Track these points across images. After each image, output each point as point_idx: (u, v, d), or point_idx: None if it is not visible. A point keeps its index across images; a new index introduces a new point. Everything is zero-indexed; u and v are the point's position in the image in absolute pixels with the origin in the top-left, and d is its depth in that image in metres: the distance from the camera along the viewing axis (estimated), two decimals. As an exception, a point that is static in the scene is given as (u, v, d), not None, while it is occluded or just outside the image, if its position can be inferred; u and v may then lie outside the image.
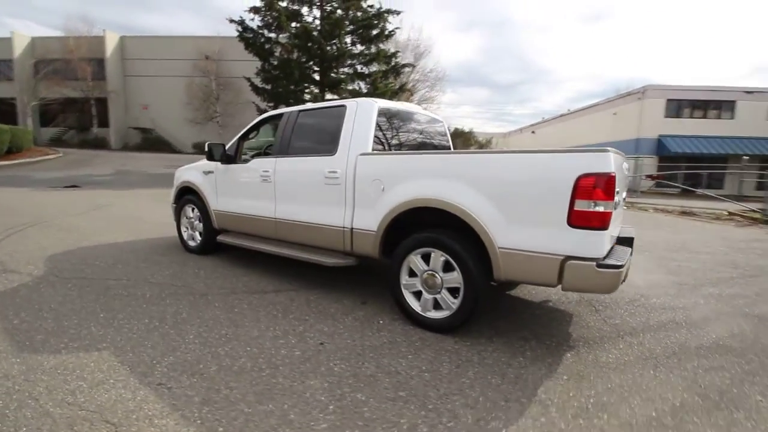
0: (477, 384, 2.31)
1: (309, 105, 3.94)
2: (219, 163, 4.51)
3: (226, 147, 4.42)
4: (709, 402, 2.20)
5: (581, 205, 2.32)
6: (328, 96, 18.82)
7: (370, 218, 3.23)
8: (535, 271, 2.52)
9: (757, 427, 2.01)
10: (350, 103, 3.54)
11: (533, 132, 41.64)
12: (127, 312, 3.17)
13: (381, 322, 3.14)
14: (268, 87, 17.77)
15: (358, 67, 18.76)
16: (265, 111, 18.07)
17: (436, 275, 2.91)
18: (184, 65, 27.98)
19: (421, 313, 3.02)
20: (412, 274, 3.07)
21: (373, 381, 2.31)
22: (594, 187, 2.29)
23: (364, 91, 18.20)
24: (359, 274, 4.30)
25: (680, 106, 24.08)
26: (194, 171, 4.95)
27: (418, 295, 3.06)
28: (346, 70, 18.72)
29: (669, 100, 23.89)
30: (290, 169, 3.81)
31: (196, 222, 4.94)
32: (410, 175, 3.00)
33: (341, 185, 3.38)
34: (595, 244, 2.34)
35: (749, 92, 23.28)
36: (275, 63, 17.74)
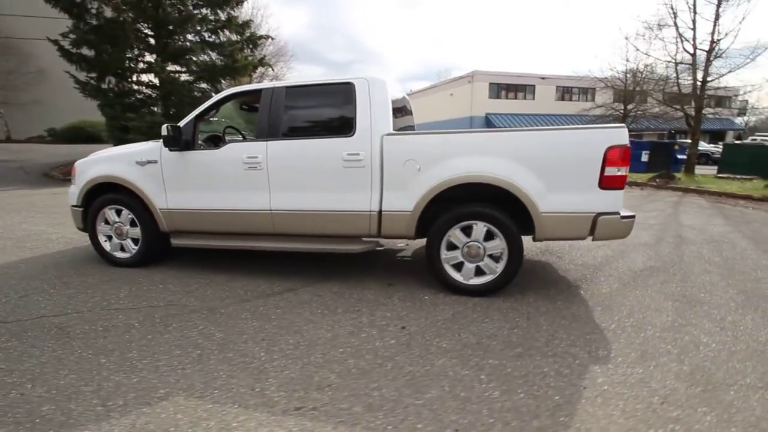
0: (556, 328, 2.73)
1: (297, 81, 3.53)
2: (165, 151, 3.64)
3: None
4: (673, 288, 3.16)
5: (610, 171, 2.91)
6: (172, 67, 16.13)
7: (403, 199, 3.23)
8: (571, 228, 3.05)
9: (687, 282, 3.01)
10: (359, 80, 3.35)
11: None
12: (141, 351, 2.45)
13: (426, 297, 3.25)
14: (91, 53, 14.12)
15: (206, 35, 16.52)
16: (87, 83, 14.45)
17: (479, 245, 3.17)
18: None
19: (463, 282, 3.25)
20: (450, 247, 3.25)
21: (486, 347, 2.48)
22: (618, 156, 2.89)
23: (219, 63, 16.23)
24: (340, 260, 4.20)
25: (499, 88, 29.50)
26: (118, 162, 3.84)
27: (458, 266, 3.26)
28: (191, 38, 16.25)
29: (491, 83, 28.91)
30: (290, 153, 3.40)
31: (127, 227, 3.89)
32: (451, 154, 3.12)
33: (365, 168, 3.24)
34: (618, 201, 2.98)
35: (543, 78, 30.07)
36: (95, 23, 14.13)
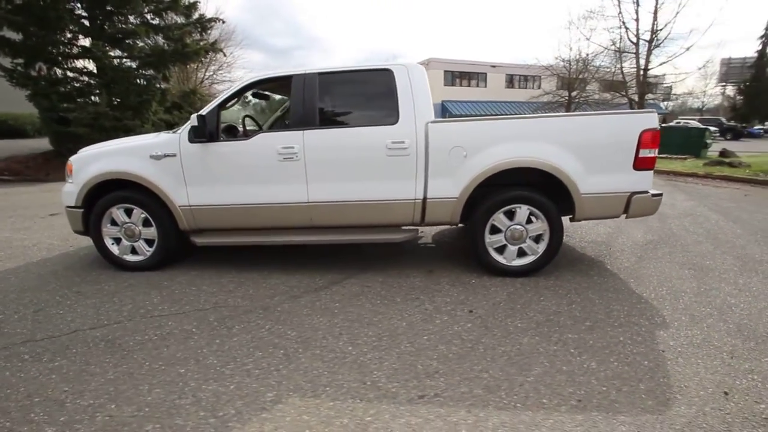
0: (607, 301, 2.92)
1: (330, 68, 3.38)
2: (185, 143, 3.36)
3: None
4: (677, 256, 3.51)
5: (644, 153, 3.13)
6: (113, 52, 14.71)
7: (448, 186, 3.25)
8: (608, 207, 3.25)
9: (688, 252, 3.38)
10: (397, 67, 3.29)
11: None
12: (218, 357, 2.29)
13: (473, 281, 3.32)
14: (19, 36, 12.48)
15: (149, 16, 15.17)
16: (14, 70, 12.78)
17: (522, 227, 3.29)
18: None
19: (506, 263, 3.36)
20: (493, 231, 3.34)
21: (557, 323, 2.61)
22: (651, 138, 3.12)
23: (167, 48, 15.02)
24: (369, 250, 4.17)
25: (453, 76, 30.09)
26: (128, 156, 3.47)
27: (500, 249, 3.37)
28: (133, 20, 14.85)
29: (446, 71, 29.41)
30: (330, 143, 3.27)
31: (140, 228, 3.56)
32: (497, 139, 3.18)
33: (410, 156, 3.21)
34: (649, 180, 3.23)
35: (494, 66, 31.15)
36: (20, 2, 12.46)
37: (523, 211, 3.26)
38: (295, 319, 2.69)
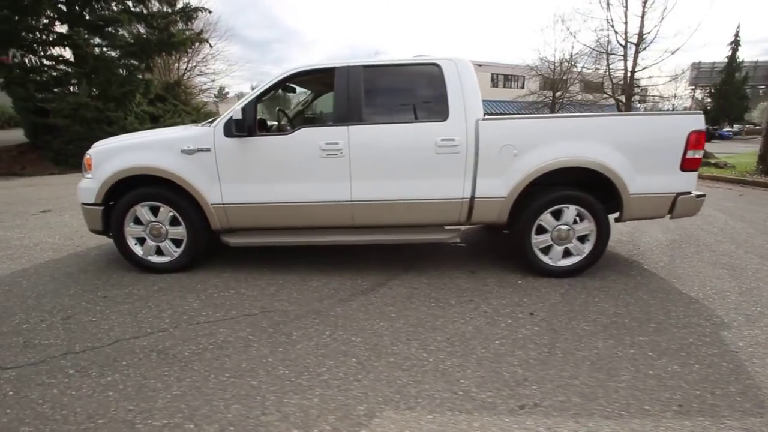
0: (661, 302, 2.91)
1: (375, 61, 3.24)
2: (219, 137, 3.15)
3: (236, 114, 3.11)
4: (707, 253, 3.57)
5: (690, 154, 3.14)
6: (96, 40, 13.99)
7: (497, 185, 3.18)
8: (654, 207, 3.26)
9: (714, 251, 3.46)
10: (445, 62, 3.18)
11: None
12: (288, 367, 2.14)
13: (520, 282, 3.27)
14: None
15: (130, 3, 14.46)
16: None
17: (569, 227, 3.25)
18: None
19: (551, 264, 3.32)
20: (539, 231, 3.29)
21: (623, 325, 2.57)
22: (698, 140, 3.13)
23: (152, 37, 14.36)
24: (404, 251, 4.06)
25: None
26: (156, 150, 3.23)
27: (545, 249, 3.32)
28: (115, 7, 14.12)
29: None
30: (376, 139, 3.13)
31: (167, 227, 3.32)
32: (549, 138, 3.12)
33: (460, 153, 3.12)
34: (694, 181, 3.24)
35: (480, 65, 31.30)
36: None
37: (570, 211, 3.22)
38: (354, 324, 2.56)
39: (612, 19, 14.52)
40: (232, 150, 3.17)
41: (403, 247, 4.07)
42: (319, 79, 3.69)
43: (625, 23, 14.18)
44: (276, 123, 4.10)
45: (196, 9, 15.93)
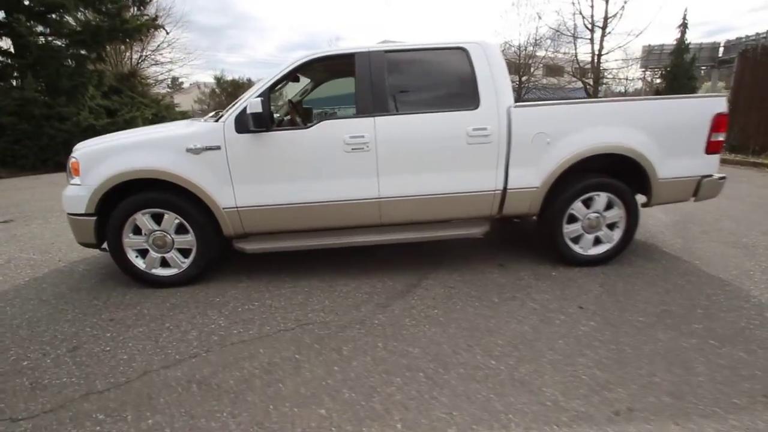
0: (699, 286, 2.91)
1: (397, 45, 3.01)
2: (230, 133, 2.83)
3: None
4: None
5: (715, 137, 3.15)
6: (39, 28, 12.66)
7: (530, 175, 3.06)
8: (679, 191, 3.25)
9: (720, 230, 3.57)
10: (472, 45, 2.99)
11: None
12: (352, 388, 1.93)
13: (554, 273, 3.19)
14: None
15: (74, -13, 13.14)
16: None
17: (600, 215, 3.20)
18: None
19: (583, 253, 3.27)
20: (570, 220, 3.22)
21: (673, 313, 2.54)
22: (720, 122, 3.14)
23: (96, 23, 13.12)
24: (423, 248, 3.90)
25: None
26: (158, 149, 2.85)
27: (575, 238, 3.26)
28: (57, -10, 12.77)
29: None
30: (405, 131, 2.91)
31: (172, 236, 2.98)
32: (581, 125, 3.02)
33: (492, 143, 2.97)
34: (716, 163, 3.26)
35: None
36: None
37: (602, 198, 3.16)
38: (404, 333, 2.38)
39: (579, 2, 14.80)
40: (245, 147, 2.86)
41: (424, 244, 3.89)
42: (339, 66, 3.41)
43: (591, 6, 14.52)
44: (281, 116, 3.78)
45: (150, -7, 14.75)
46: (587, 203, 3.19)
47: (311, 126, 2.92)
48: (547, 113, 3.07)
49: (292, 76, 3.08)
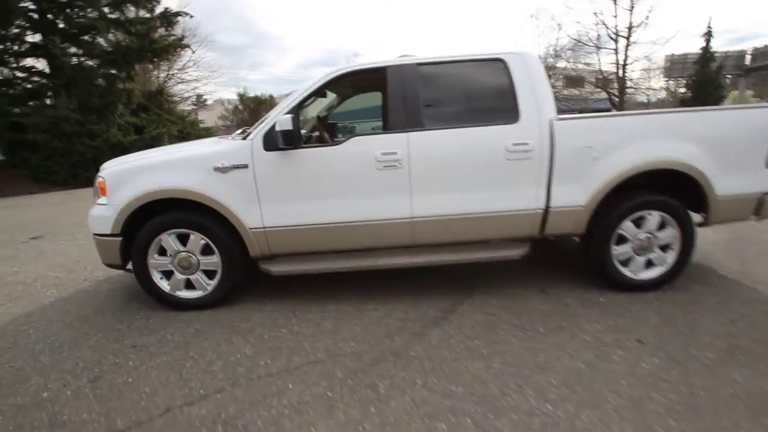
0: (766, 310, 2.63)
1: (431, 58, 2.87)
2: (258, 151, 2.73)
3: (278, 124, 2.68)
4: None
5: (776, 150, 2.87)
6: (72, 49, 13.20)
7: (575, 193, 2.84)
8: (739, 209, 2.97)
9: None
10: (510, 56, 2.83)
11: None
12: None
13: (602, 300, 2.94)
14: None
15: (106, 9, 13.69)
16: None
17: (652, 236, 2.94)
18: None
19: (633, 277, 3.00)
20: (619, 241, 2.97)
21: (744, 347, 2.26)
22: (782, 134, 2.86)
23: (132, 44, 13.62)
24: (453, 270, 3.70)
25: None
26: (185, 168, 2.78)
27: (624, 261, 3.00)
28: (91, 14, 13.33)
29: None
30: (440, 147, 2.76)
31: (198, 257, 2.87)
32: (631, 138, 2.80)
33: (534, 159, 2.77)
34: (776, 179, 2.97)
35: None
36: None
37: (654, 217, 2.91)
38: (444, 368, 2.17)
39: (602, 12, 14.54)
40: (273, 166, 2.75)
41: (454, 265, 3.70)
42: (363, 80, 3.31)
43: (615, 16, 14.23)
44: (310, 133, 3.67)
45: (177, 14, 15.30)
46: (638, 223, 2.94)
47: (341, 142, 2.80)
48: (594, 126, 2.86)
49: (320, 91, 2.97)
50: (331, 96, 4.00)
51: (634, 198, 2.88)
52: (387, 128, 2.80)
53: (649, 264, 3.02)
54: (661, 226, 2.95)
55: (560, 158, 2.80)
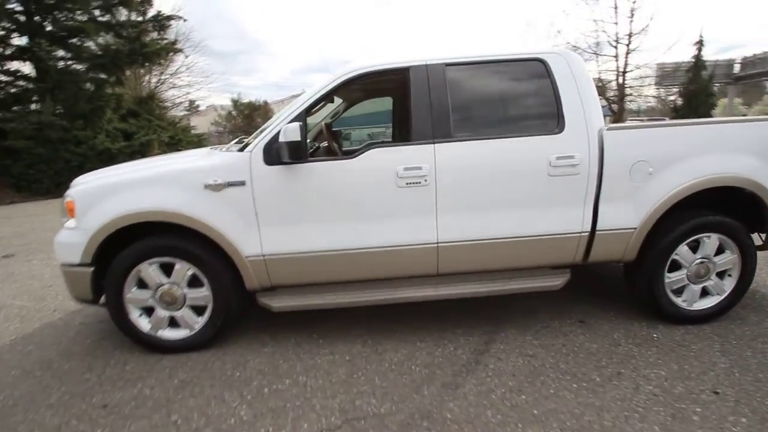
0: None
1: (458, 57, 2.47)
2: (258, 164, 2.31)
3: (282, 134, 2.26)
4: None
5: None
6: (60, 52, 12.67)
7: (626, 213, 2.46)
8: (808, 229, 2.61)
9: None
10: (552, 56, 2.45)
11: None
12: None
13: (655, 336, 2.54)
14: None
15: (96, 12, 13.20)
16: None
17: (709, 261, 2.56)
18: None
19: (686, 308, 2.62)
20: (672, 267, 2.59)
21: None
22: None
23: (123, 48, 13.13)
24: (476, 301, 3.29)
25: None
26: (169, 185, 2.34)
27: (677, 290, 2.62)
28: (80, 17, 12.83)
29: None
30: (471, 161, 2.36)
31: (184, 290, 2.43)
32: (690, 152, 2.43)
33: (580, 174, 2.38)
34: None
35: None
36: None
37: (712, 240, 2.53)
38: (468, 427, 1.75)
39: (602, 19, 14.40)
40: (275, 182, 2.33)
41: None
42: (378, 83, 2.91)
43: (616, 23, 14.09)
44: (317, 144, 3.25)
45: (170, 17, 14.83)
46: (693, 246, 2.56)
47: (356, 156, 2.38)
48: (651, 137, 2.47)
49: (331, 95, 2.57)
50: (337, 101, 3.59)
51: (690, 218, 2.50)
52: (409, 139, 2.39)
53: (704, 293, 2.64)
54: (719, 250, 2.58)
55: (610, 174, 2.41)
